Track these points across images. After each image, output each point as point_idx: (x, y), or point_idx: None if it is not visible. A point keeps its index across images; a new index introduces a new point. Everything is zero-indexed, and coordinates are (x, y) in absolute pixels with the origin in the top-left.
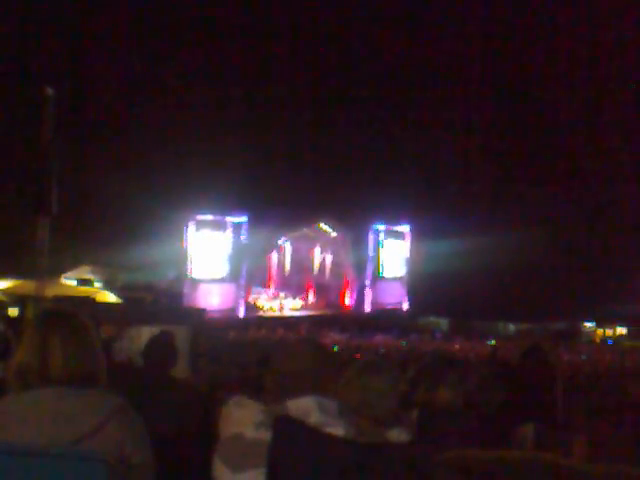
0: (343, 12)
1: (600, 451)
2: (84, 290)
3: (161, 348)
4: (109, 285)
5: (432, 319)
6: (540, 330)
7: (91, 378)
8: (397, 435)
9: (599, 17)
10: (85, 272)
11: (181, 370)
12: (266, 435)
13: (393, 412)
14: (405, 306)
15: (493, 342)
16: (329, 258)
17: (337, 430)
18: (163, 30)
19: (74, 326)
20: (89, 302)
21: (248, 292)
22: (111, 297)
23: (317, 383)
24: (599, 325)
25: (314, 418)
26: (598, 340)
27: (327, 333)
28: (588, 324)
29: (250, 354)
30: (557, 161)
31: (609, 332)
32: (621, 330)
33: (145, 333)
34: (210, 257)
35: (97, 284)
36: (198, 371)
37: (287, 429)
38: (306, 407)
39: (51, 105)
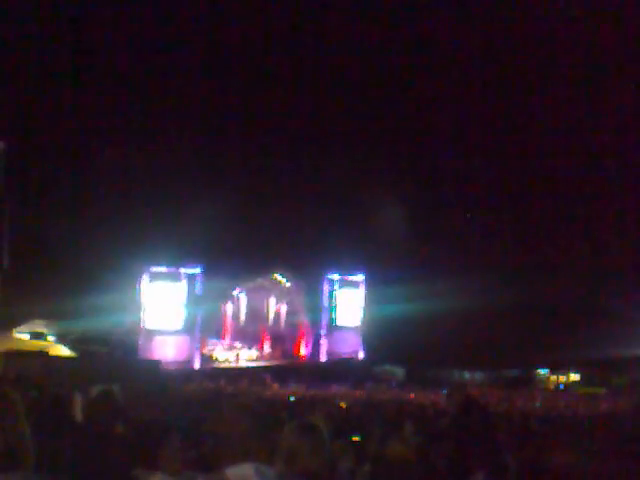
0: (285, 67)
1: None
2: (37, 344)
3: (101, 407)
4: (63, 338)
5: (387, 368)
6: (494, 378)
7: (13, 458)
8: None
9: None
10: (38, 325)
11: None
12: None
13: (327, 472)
14: (360, 355)
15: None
16: (284, 308)
17: None
18: (111, 83)
19: None
20: (42, 356)
21: (203, 343)
22: (65, 351)
23: (253, 448)
24: (552, 372)
25: None
26: (552, 387)
27: (280, 383)
28: (542, 371)
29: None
30: (508, 212)
31: (562, 378)
32: (574, 376)
33: (97, 390)
34: (165, 309)
35: (50, 337)
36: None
37: None
38: (244, 474)
39: (2, 159)
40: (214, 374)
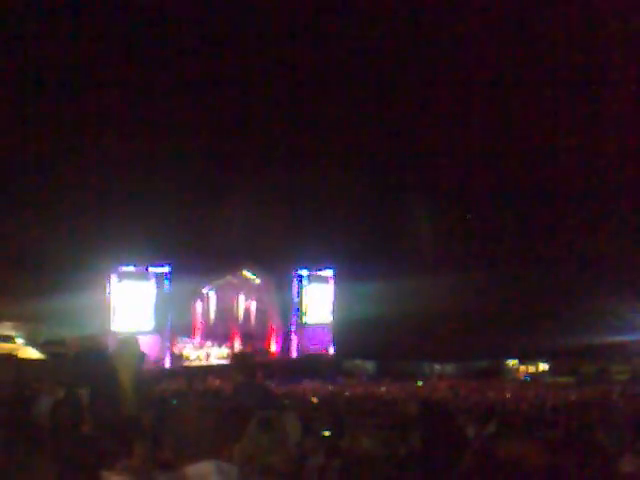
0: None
1: None
2: (5, 347)
3: (66, 409)
4: (31, 341)
5: (358, 362)
6: (465, 369)
7: None
8: None
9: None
10: (6, 328)
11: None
12: None
13: (293, 468)
14: (331, 350)
15: (419, 383)
16: (254, 305)
17: None
18: (78, 89)
19: None
20: (11, 359)
21: (174, 342)
22: (33, 353)
23: (214, 446)
24: (522, 362)
25: None
26: (521, 377)
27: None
28: (511, 361)
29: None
30: (477, 208)
31: (532, 368)
32: (543, 366)
33: (61, 392)
34: (134, 308)
35: (19, 340)
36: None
37: None
38: (204, 472)
39: None
40: (184, 373)
